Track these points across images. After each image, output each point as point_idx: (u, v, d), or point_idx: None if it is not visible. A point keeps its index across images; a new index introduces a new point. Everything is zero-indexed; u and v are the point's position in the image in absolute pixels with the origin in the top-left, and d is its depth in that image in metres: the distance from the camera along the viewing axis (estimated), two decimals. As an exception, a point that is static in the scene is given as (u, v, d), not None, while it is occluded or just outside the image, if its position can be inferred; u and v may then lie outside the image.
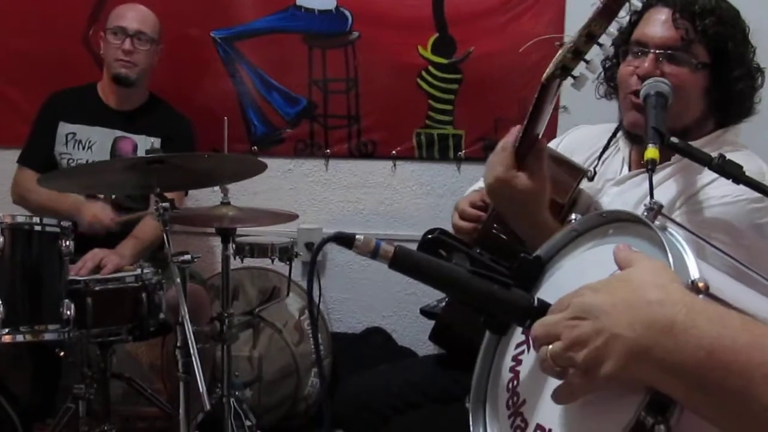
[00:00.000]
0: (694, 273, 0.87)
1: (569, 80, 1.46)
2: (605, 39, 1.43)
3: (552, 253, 1.16)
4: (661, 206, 1.00)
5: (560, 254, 1.15)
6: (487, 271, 1.06)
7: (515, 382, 1.10)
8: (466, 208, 1.89)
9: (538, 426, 1.01)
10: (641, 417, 0.81)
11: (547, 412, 0.98)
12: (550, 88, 1.47)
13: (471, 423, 1.14)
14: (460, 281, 1.04)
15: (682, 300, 0.82)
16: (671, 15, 1.68)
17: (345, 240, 1.04)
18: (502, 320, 1.14)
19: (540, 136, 1.56)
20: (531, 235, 1.57)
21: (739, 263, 1.14)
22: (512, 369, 1.12)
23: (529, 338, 1.07)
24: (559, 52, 1.45)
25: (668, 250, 0.90)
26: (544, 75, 1.47)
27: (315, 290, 3.45)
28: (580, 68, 1.45)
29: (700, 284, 0.84)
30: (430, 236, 1.19)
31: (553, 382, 0.92)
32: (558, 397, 0.91)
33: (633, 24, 1.77)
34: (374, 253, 1.04)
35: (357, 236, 1.03)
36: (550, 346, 0.88)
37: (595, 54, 1.45)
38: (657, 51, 1.68)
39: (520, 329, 1.12)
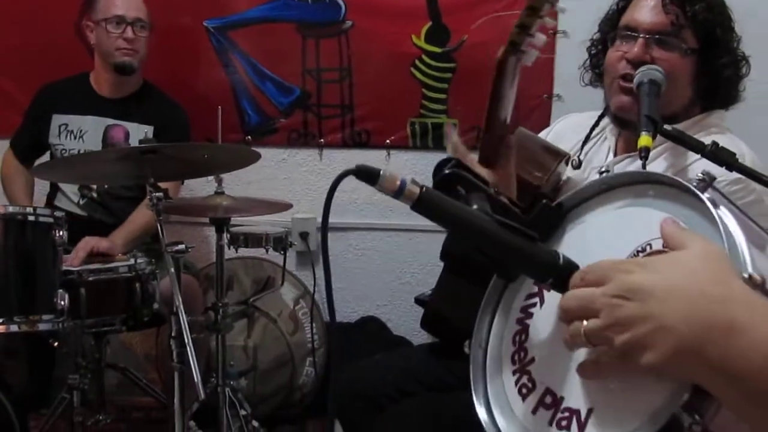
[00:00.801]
0: (748, 264, 0.80)
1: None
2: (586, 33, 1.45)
3: (576, 202, 1.07)
4: (714, 178, 0.91)
5: (585, 206, 1.06)
6: (508, 216, 0.99)
7: (523, 336, 1.04)
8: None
9: (548, 390, 0.96)
10: (677, 413, 0.77)
11: (560, 377, 0.93)
12: (506, 67, 1.51)
13: (471, 370, 1.08)
14: (485, 231, 0.97)
15: (743, 299, 0.76)
16: (661, 0, 1.69)
17: (368, 174, 0.97)
18: (519, 271, 1.06)
19: (507, 122, 1.56)
20: None
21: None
22: (520, 321, 1.06)
23: (542, 291, 1.03)
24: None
25: (722, 232, 0.83)
26: (497, 57, 1.51)
27: (309, 280, 3.47)
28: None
29: (757, 278, 0.78)
30: (447, 171, 1.14)
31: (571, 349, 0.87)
32: (584, 371, 0.86)
33: (620, 10, 1.78)
34: (398, 192, 0.96)
35: (382, 171, 0.97)
36: (586, 322, 0.81)
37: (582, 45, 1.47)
38: (647, 36, 1.68)
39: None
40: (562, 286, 0.92)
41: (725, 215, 0.86)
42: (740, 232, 0.84)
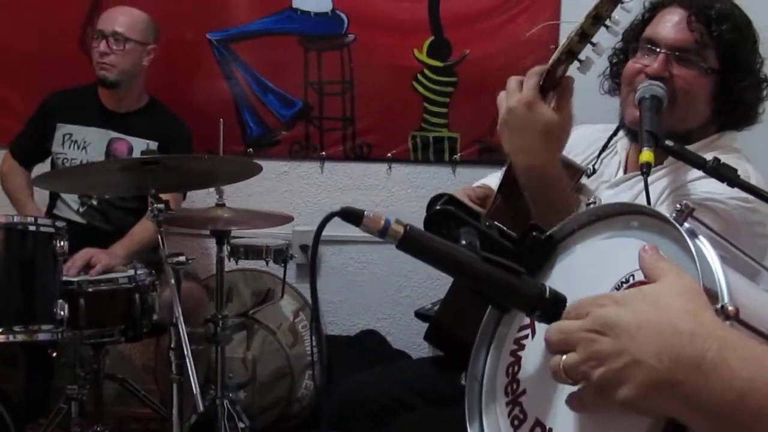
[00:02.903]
0: (724, 294, 0.81)
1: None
2: (609, 40, 1.43)
3: (565, 233, 1.09)
4: (692, 209, 0.93)
5: (574, 237, 1.08)
6: (497, 250, 1.00)
7: (516, 368, 1.05)
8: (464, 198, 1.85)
9: (537, 422, 0.97)
10: None
11: (549, 409, 0.95)
12: (556, 73, 1.47)
13: (466, 401, 1.09)
14: (470, 268, 0.98)
15: (714, 333, 0.76)
16: (686, 17, 1.67)
17: (352, 216, 0.98)
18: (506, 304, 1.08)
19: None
20: (534, 172, 1.52)
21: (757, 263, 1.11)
22: (513, 353, 1.07)
23: (534, 323, 1.04)
24: (566, 38, 1.45)
25: (697, 263, 0.84)
26: (550, 60, 1.47)
27: (309, 292, 3.46)
28: (586, 52, 1.45)
29: (731, 309, 0.79)
30: (438, 207, 1.14)
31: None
32: (570, 403, 0.86)
33: (645, 21, 1.76)
34: (383, 232, 0.97)
35: (366, 212, 0.98)
36: (564, 357, 0.83)
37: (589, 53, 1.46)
38: (668, 51, 1.67)
39: None
40: (549, 319, 0.93)
41: (703, 245, 0.87)
42: (718, 262, 0.85)
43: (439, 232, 1.04)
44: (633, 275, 0.91)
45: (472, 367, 1.12)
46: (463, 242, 1.03)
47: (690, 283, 0.82)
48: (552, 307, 0.93)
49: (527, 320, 1.06)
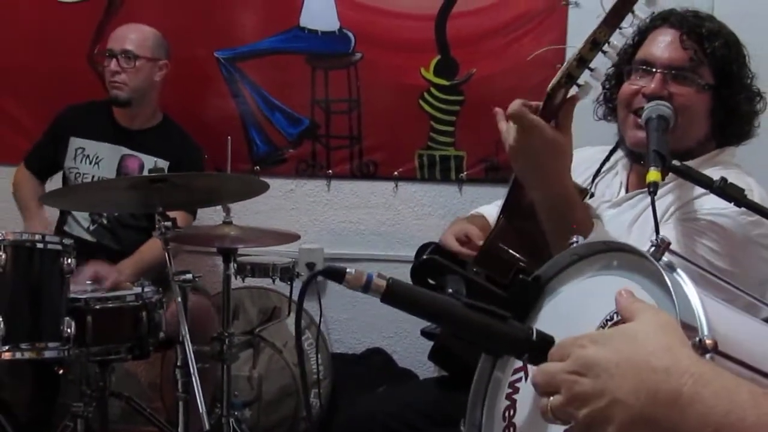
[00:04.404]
0: (703, 327, 0.83)
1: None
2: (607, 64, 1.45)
3: (551, 274, 1.13)
4: (668, 243, 0.95)
5: (560, 277, 1.12)
6: (484, 295, 1.03)
7: (511, 412, 1.08)
8: (451, 243, 1.84)
9: None
10: None
11: None
12: (555, 98, 1.48)
13: None
14: (454, 316, 1.01)
15: (689, 369, 0.77)
16: (679, 36, 1.70)
17: (335, 274, 1.00)
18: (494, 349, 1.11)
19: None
20: (553, 196, 1.53)
21: (743, 292, 1.12)
22: (509, 396, 1.10)
23: (527, 365, 1.06)
24: (565, 62, 1.47)
25: (674, 297, 0.86)
26: (550, 85, 1.48)
27: (315, 310, 3.47)
28: (584, 77, 1.46)
29: (708, 342, 0.81)
30: (424, 257, 1.17)
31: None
32: None
33: (636, 44, 1.78)
34: (366, 287, 1.00)
35: (348, 270, 1.00)
36: (551, 399, 0.85)
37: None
38: (664, 70, 1.68)
39: None
40: (538, 360, 0.95)
41: (681, 279, 0.90)
42: (696, 295, 0.87)
43: (426, 281, 1.07)
44: (616, 313, 0.92)
45: (470, 414, 1.15)
46: (449, 290, 1.06)
47: (667, 319, 0.84)
48: (540, 348, 0.94)
49: (520, 363, 1.09)
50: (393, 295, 1.01)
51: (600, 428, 0.80)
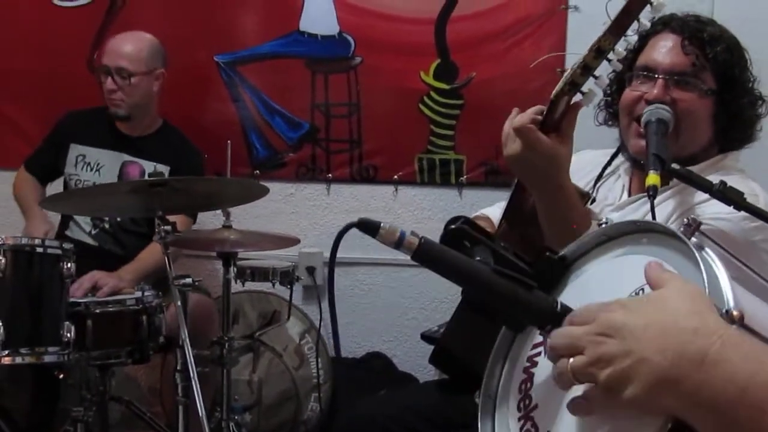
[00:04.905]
0: (729, 300, 0.83)
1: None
2: (614, 63, 1.44)
3: (578, 254, 1.12)
4: (699, 223, 0.96)
5: (587, 257, 1.11)
6: (511, 268, 1.02)
7: (528, 384, 1.07)
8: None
9: None
10: None
11: (560, 422, 0.96)
12: (558, 105, 1.48)
13: (479, 418, 1.10)
14: (481, 280, 1.01)
15: (717, 331, 0.78)
16: (680, 41, 1.69)
17: (369, 227, 1.02)
18: (521, 320, 1.10)
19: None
20: (554, 201, 1.53)
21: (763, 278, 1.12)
22: (526, 370, 1.09)
23: (546, 342, 1.04)
24: (568, 70, 1.46)
25: (703, 272, 0.86)
26: (553, 92, 1.48)
27: (315, 314, 3.47)
28: (588, 84, 1.46)
29: (735, 313, 0.81)
30: (453, 226, 1.16)
31: (569, 392, 0.89)
32: (574, 408, 0.88)
33: (636, 50, 1.77)
34: (398, 243, 1.01)
35: (382, 224, 1.02)
36: (572, 360, 0.84)
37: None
38: (666, 76, 1.68)
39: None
40: None
41: (709, 256, 0.90)
42: (724, 272, 0.88)
43: (456, 250, 1.06)
44: (643, 289, 0.93)
45: (487, 384, 1.13)
46: (477, 258, 1.05)
47: (695, 288, 0.85)
48: (562, 321, 0.94)
49: (540, 338, 1.08)
50: (424, 253, 1.01)
51: (621, 389, 0.80)
